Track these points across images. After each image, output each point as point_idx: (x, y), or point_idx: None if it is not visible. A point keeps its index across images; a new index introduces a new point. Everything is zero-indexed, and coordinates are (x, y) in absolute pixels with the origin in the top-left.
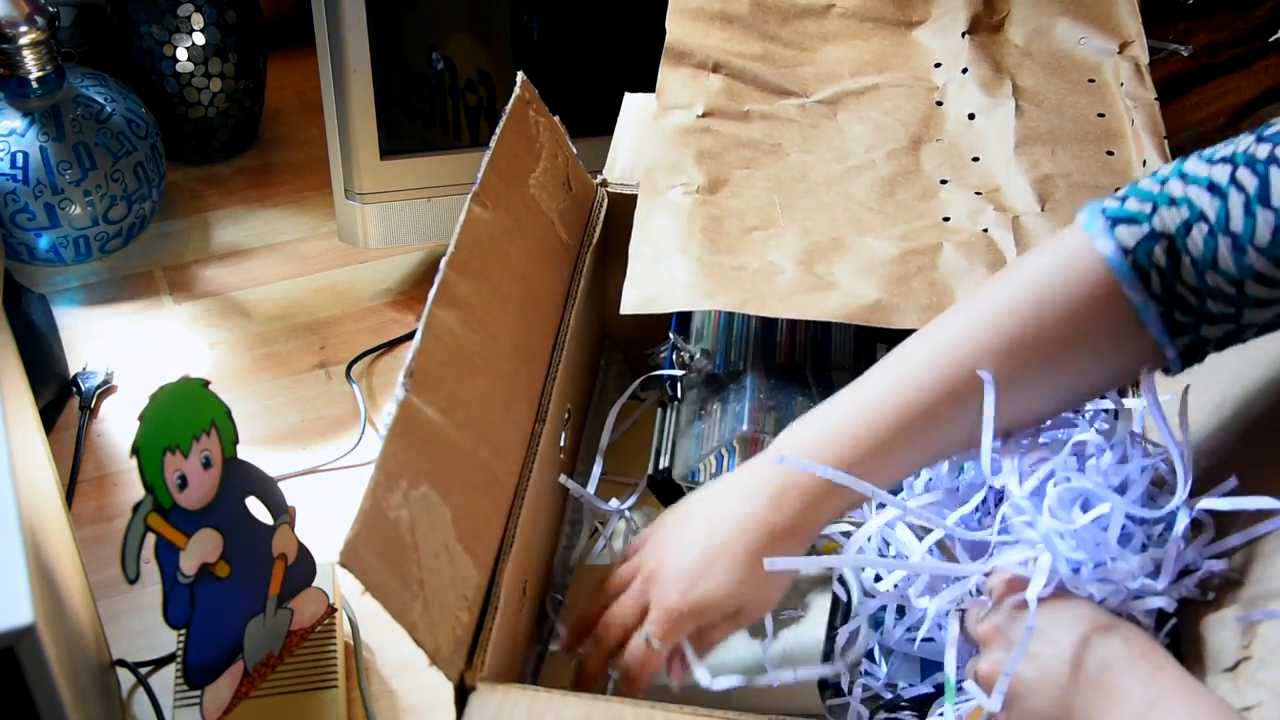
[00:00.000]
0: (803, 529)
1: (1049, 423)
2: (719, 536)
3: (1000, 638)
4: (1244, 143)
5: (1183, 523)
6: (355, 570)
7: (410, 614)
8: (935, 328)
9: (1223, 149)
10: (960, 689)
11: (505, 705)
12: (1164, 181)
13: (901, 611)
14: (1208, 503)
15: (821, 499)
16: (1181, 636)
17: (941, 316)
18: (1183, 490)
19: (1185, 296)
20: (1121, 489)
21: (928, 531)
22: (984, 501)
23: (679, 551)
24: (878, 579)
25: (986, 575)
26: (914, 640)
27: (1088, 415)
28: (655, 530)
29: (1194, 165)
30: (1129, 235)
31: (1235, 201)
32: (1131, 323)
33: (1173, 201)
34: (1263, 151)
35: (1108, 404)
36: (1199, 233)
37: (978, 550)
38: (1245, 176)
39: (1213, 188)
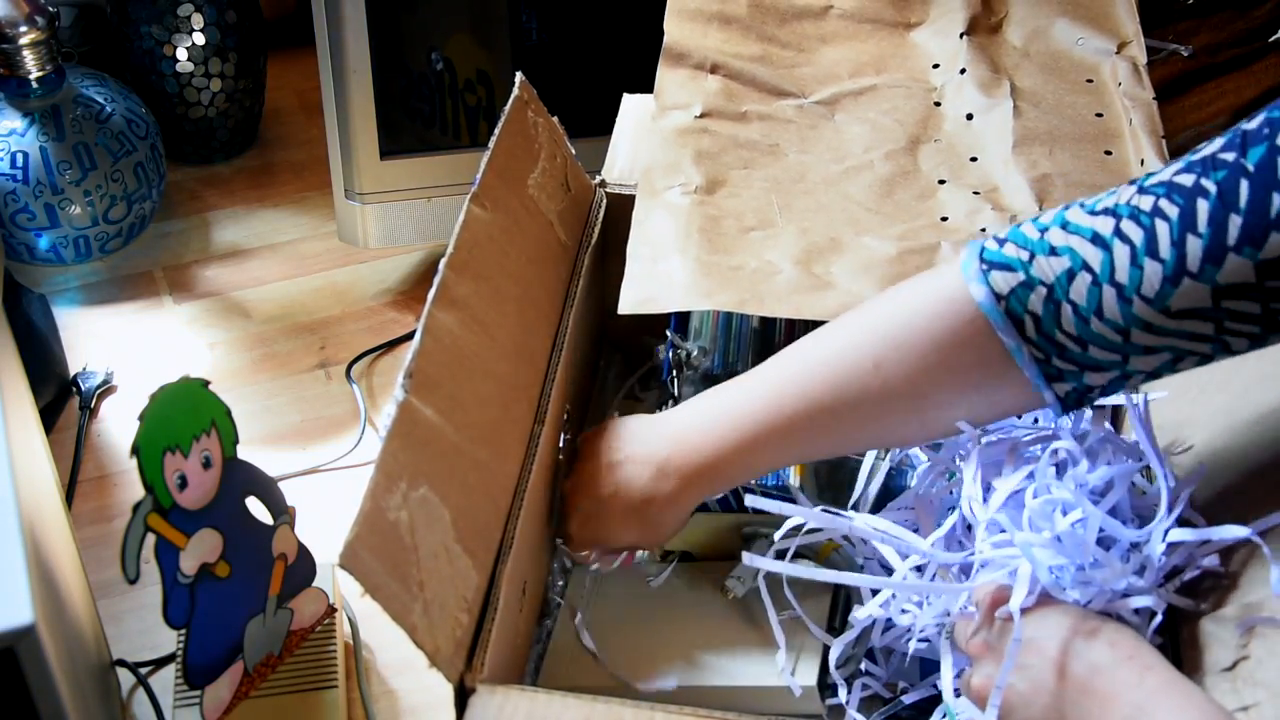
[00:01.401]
0: (682, 500)
1: (1028, 436)
2: (608, 488)
3: (989, 652)
4: (1126, 194)
5: (1160, 532)
6: (355, 572)
7: (410, 615)
8: (814, 341)
9: (1104, 200)
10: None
11: (505, 707)
12: (1044, 230)
13: (890, 625)
14: (1178, 534)
15: (696, 484)
16: (1179, 638)
17: (824, 329)
18: (1165, 499)
19: (1065, 344)
20: (1104, 490)
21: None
22: (962, 518)
23: (583, 491)
24: (865, 608)
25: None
26: (908, 641)
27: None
28: (582, 447)
29: (1076, 215)
30: (1003, 281)
31: (1120, 253)
32: (1005, 365)
33: (1053, 250)
34: (1146, 203)
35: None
36: (1082, 282)
37: (962, 569)
38: (1130, 228)
39: (1096, 239)
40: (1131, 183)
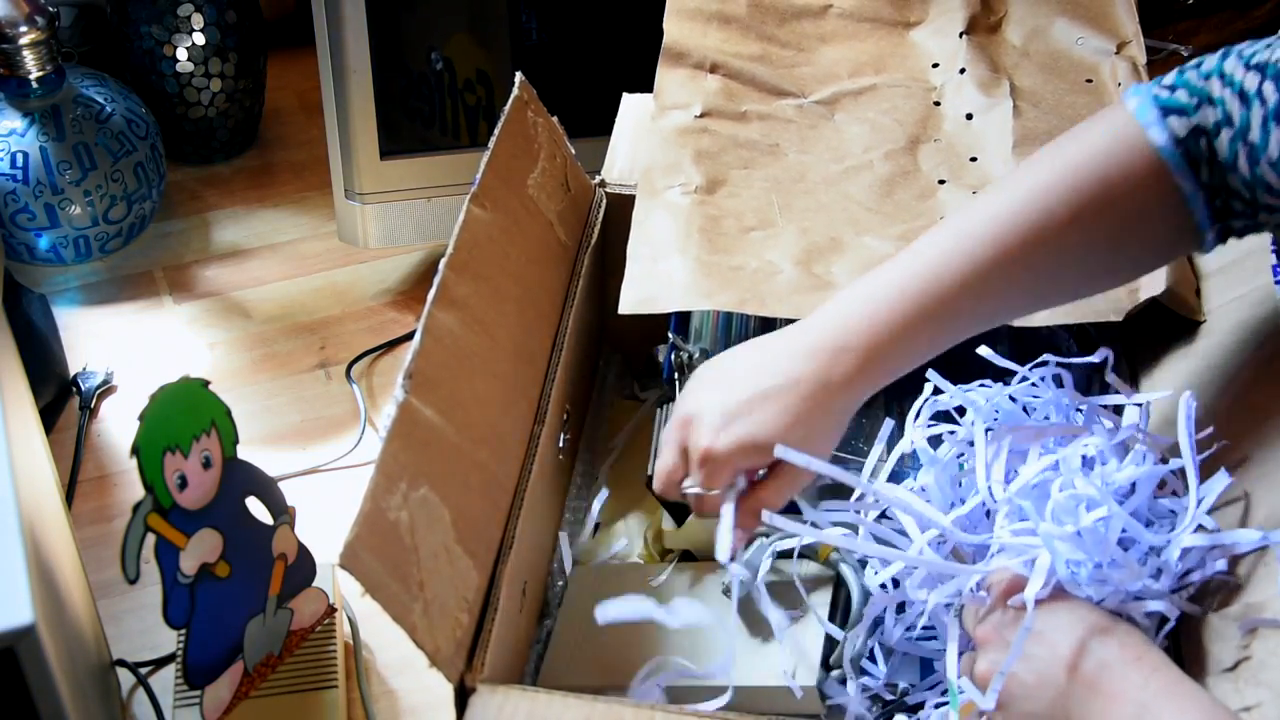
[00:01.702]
0: (859, 384)
1: (1054, 429)
2: (766, 382)
3: (998, 638)
4: (1278, 51)
5: (1184, 542)
6: (355, 572)
7: (410, 615)
8: (972, 208)
9: (1261, 53)
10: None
11: (505, 707)
12: (1207, 77)
13: (901, 609)
14: (1192, 539)
15: (878, 359)
16: (1181, 637)
17: (979, 197)
18: (1195, 509)
19: (1236, 188)
20: (1129, 491)
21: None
22: (981, 503)
23: (718, 395)
24: (878, 576)
25: (986, 574)
26: (913, 639)
27: (1097, 414)
28: (691, 381)
29: (1232, 66)
30: (1180, 125)
31: (1256, 113)
32: (1177, 210)
33: (1211, 100)
34: None
35: (1120, 398)
36: (1225, 135)
37: (978, 551)
38: (1270, 90)
39: (1242, 95)
40: None
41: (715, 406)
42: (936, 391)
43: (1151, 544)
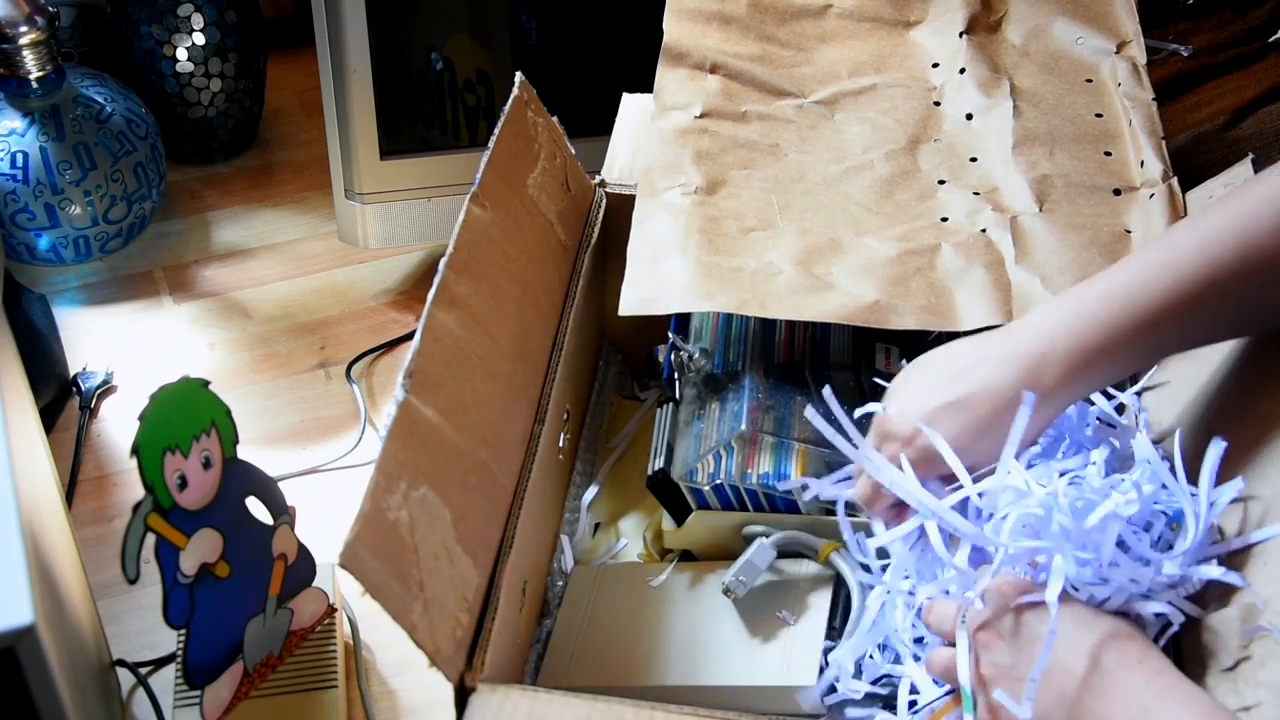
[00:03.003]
0: (1062, 393)
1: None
2: (962, 390)
3: (1000, 641)
4: None
5: (1182, 558)
6: (355, 572)
7: (410, 615)
8: (1180, 227)
9: None
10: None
11: (505, 706)
12: None
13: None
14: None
15: (1082, 368)
16: (1181, 637)
17: (1189, 219)
18: (1196, 537)
19: None
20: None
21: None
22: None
23: (917, 399)
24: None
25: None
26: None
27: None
28: (897, 379)
29: None
30: None
31: None
32: None
33: None
34: None
35: (1125, 396)
36: None
37: (981, 554)
38: None
39: None
40: None
41: (913, 411)
42: None
43: (1151, 558)
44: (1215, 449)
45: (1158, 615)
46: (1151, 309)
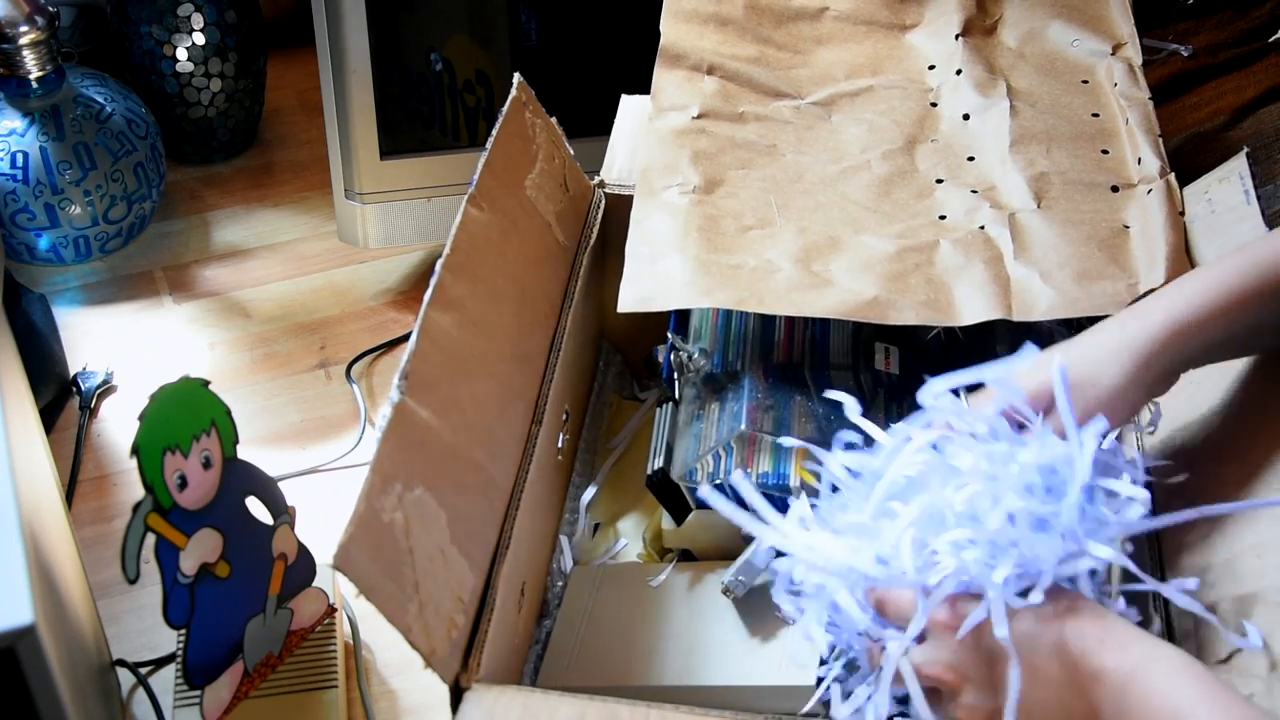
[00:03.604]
0: (1163, 382)
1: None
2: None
3: (965, 680)
4: None
5: (1076, 495)
6: (349, 573)
7: (405, 616)
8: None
9: None
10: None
11: (500, 704)
12: None
13: None
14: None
15: (1174, 344)
16: (1174, 630)
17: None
18: (1083, 468)
19: None
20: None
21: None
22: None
23: None
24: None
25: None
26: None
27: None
28: None
29: None
30: None
31: None
32: None
33: None
34: None
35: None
36: None
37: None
38: None
39: None
40: None
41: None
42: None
43: (1044, 515)
44: (1058, 376)
45: (1093, 573)
46: (1244, 291)
